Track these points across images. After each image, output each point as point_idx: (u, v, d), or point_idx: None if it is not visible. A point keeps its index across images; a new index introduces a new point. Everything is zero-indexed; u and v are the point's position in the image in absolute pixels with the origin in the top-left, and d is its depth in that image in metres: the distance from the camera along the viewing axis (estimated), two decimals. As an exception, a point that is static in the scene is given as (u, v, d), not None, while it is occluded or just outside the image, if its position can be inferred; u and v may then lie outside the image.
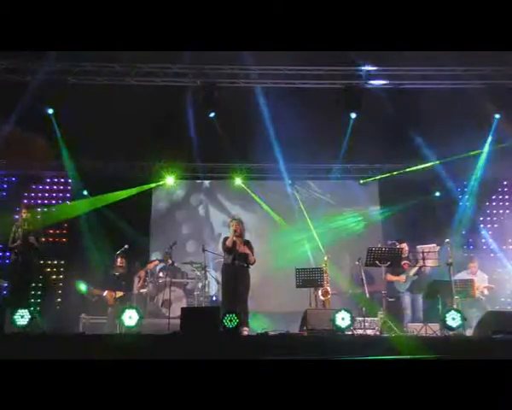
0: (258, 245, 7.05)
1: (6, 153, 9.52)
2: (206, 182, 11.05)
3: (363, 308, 7.44)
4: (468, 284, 7.73)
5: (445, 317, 6.29)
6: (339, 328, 6.21)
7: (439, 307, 6.76)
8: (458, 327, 6.21)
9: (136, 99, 8.37)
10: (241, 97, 8.46)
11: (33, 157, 9.63)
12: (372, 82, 8.38)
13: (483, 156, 9.47)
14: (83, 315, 8.09)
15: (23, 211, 7.21)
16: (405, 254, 7.83)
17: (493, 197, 10.77)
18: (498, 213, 10.73)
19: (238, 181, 10.62)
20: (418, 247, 7.68)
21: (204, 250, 8.54)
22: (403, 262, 7.73)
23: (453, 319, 6.23)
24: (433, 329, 6.53)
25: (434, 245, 7.41)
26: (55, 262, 10.21)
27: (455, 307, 6.74)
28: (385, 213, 10.44)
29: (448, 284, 7.11)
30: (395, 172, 10.38)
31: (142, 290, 8.71)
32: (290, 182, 10.51)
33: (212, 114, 8.47)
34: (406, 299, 7.82)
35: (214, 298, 9.05)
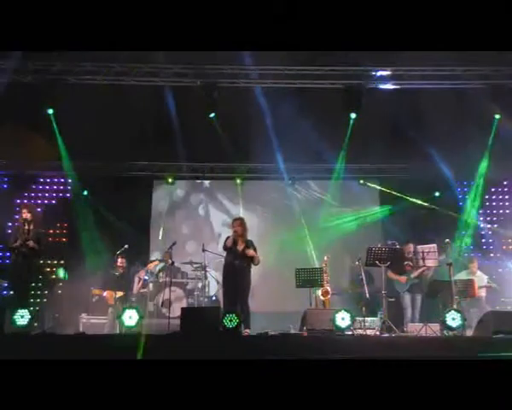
0: (257, 245, 7.03)
1: (6, 153, 9.52)
2: (206, 182, 11.05)
3: (363, 308, 7.43)
4: (468, 284, 7.74)
5: (445, 317, 6.30)
6: (339, 328, 6.22)
7: (440, 307, 6.77)
8: (458, 327, 6.22)
9: (136, 99, 8.37)
10: (241, 97, 8.47)
11: (33, 157, 9.63)
12: (372, 82, 8.38)
13: (483, 156, 9.47)
14: (83, 315, 8.11)
15: (23, 211, 7.20)
16: (409, 255, 7.81)
17: (493, 197, 10.77)
18: (498, 213, 10.73)
19: (238, 181, 10.63)
20: (418, 247, 7.68)
21: (204, 250, 8.55)
22: (405, 263, 7.72)
23: (453, 319, 6.24)
24: (433, 329, 6.52)
25: (435, 245, 7.41)
26: (55, 262, 10.20)
27: (455, 307, 6.74)
28: (385, 213, 10.44)
29: (448, 284, 7.12)
30: (395, 173, 10.38)
31: (142, 290, 8.71)
32: (290, 182, 10.52)
33: (212, 114, 8.46)
34: (406, 299, 7.81)
35: (214, 298, 9.05)
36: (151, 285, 8.76)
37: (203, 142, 9.25)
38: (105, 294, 8.31)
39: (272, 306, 9.04)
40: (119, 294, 8.20)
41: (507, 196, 10.77)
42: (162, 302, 8.33)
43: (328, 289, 8.06)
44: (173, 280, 8.30)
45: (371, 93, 8.38)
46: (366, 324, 7.03)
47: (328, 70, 8.25)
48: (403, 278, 7.86)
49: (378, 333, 6.68)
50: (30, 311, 5.97)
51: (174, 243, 8.42)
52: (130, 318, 6.16)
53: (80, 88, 8.28)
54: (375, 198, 10.73)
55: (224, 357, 4.31)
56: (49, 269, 10.15)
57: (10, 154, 9.56)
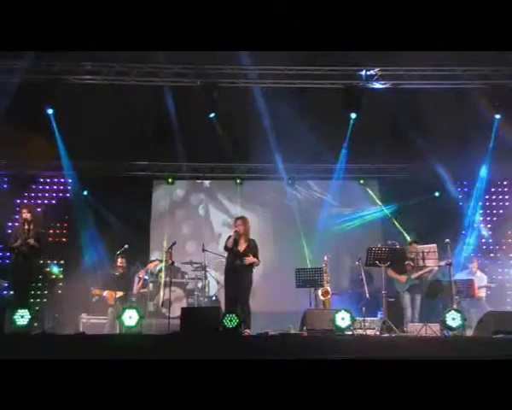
0: (257, 245, 7.05)
1: (6, 153, 9.51)
2: (206, 182, 11.05)
3: (363, 308, 7.43)
4: (468, 284, 7.74)
5: (445, 317, 6.30)
6: (339, 328, 6.22)
7: (440, 307, 6.77)
8: (458, 327, 6.22)
9: (136, 99, 8.37)
10: (241, 97, 8.46)
11: (33, 157, 9.63)
12: (372, 82, 8.38)
13: (483, 156, 9.47)
14: (83, 315, 8.11)
15: (23, 211, 7.20)
16: (412, 255, 7.76)
17: (493, 197, 10.77)
18: (498, 213, 10.73)
19: (238, 181, 10.63)
20: (418, 247, 7.67)
21: (204, 250, 8.55)
22: (406, 262, 7.71)
23: (453, 319, 6.24)
24: (433, 329, 6.52)
25: (435, 245, 7.41)
26: (55, 262, 10.20)
27: (455, 307, 6.74)
28: (385, 213, 10.44)
29: (448, 284, 7.12)
30: (395, 173, 10.38)
31: (142, 290, 8.71)
32: (290, 182, 10.52)
33: (212, 114, 8.46)
34: (406, 299, 7.81)
35: (214, 298, 9.05)
36: (151, 285, 8.76)
37: (203, 142, 9.25)
38: (105, 294, 8.30)
39: (272, 306, 9.03)
40: (119, 294, 8.20)
41: (507, 196, 10.77)
42: (162, 302, 8.33)
43: (328, 289, 8.06)
44: (173, 280, 8.30)
45: (371, 93, 8.38)
46: (366, 324, 7.03)
47: (328, 70, 8.25)
48: (403, 278, 7.87)
49: (378, 333, 6.68)
50: (30, 311, 5.96)
51: (174, 243, 8.41)
52: (130, 318, 6.16)
53: (80, 88, 8.28)
54: (375, 198, 10.73)
55: (224, 357, 4.31)
56: (49, 269, 10.15)
57: (10, 154, 9.56)
